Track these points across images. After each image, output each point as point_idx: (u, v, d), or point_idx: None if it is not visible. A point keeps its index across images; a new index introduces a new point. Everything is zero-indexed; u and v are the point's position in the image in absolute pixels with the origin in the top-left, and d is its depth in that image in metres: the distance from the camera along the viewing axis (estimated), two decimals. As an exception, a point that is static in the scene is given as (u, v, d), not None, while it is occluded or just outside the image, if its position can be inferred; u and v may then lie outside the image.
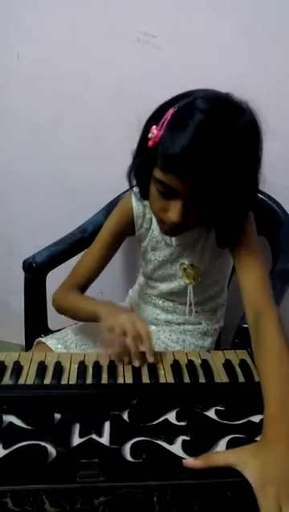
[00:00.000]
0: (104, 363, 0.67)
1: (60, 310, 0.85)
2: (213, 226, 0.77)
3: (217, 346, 0.96)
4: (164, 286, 0.88)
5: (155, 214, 0.73)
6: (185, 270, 0.83)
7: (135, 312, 0.94)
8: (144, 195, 0.74)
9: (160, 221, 0.71)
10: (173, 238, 0.82)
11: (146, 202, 0.82)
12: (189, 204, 0.65)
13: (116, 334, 0.67)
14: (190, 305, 0.85)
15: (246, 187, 0.66)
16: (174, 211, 0.66)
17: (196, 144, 0.59)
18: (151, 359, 0.66)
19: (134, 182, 0.74)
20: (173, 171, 0.61)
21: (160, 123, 0.63)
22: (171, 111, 0.62)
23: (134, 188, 0.76)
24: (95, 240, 0.88)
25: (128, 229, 0.86)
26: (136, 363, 0.66)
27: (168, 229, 0.71)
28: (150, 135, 0.64)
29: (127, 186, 1.03)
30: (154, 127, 0.64)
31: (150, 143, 0.64)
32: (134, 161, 0.72)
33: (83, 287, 0.86)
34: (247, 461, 0.47)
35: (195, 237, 0.81)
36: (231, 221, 0.71)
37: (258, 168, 0.67)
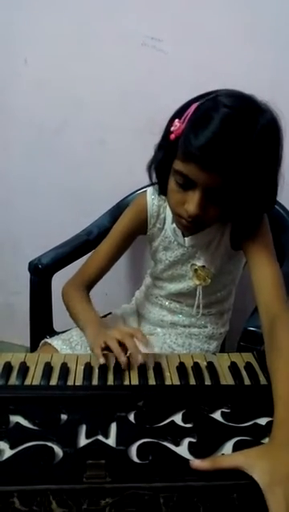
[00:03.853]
0: (110, 364, 0.68)
1: (65, 305, 0.86)
2: (228, 228, 0.78)
3: (222, 350, 0.96)
4: (172, 287, 0.88)
5: (172, 209, 0.73)
6: (196, 271, 0.83)
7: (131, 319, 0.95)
8: (162, 189, 0.75)
9: (178, 216, 0.71)
10: (186, 239, 0.82)
11: (161, 202, 0.82)
12: (207, 196, 0.66)
13: (113, 348, 0.67)
14: (198, 306, 0.85)
15: (264, 185, 0.67)
16: (192, 202, 0.66)
17: (219, 136, 0.60)
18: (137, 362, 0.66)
19: (154, 176, 0.75)
20: (194, 160, 0.62)
21: (184, 117, 0.64)
22: (194, 106, 0.64)
23: (153, 183, 0.77)
24: (106, 237, 0.88)
25: (140, 227, 0.86)
26: (140, 359, 0.66)
27: (186, 224, 0.70)
28: (172, 128, 0.66)
29: (132, 190, 1.06)
30: (177, 120, 0.65)
31: (172, 136, 0.66)
32: (155, 154, 0.73)
33: (90, 284, 0.87)
34: (255, 463, 0.47)
35: (208, 238, 0.81)
36: (247, 219, 0.72)
37: (277, 167, 0.67)
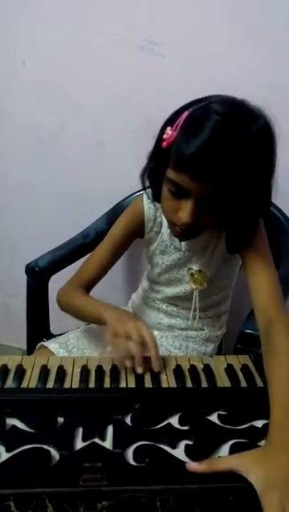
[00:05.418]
0: (107, 367, 0.67)
1: (64, 308, 0.85)
2: (224, 232, 0.77)
3: (219, 352, 0.96)
4: (169, 291, 0.88)
5: (166, 216, 0.73)
6: (192, 275, 0.83)
7: (139, 317, 0.94)
8: (156, 196, 0.75)
9: (172, 223, 0.72)
10: (183, 243, 0.82)
11: (158, 205, 0.82)
12: (201, 205, 0.65)
13: (120, 338, 0.67)
14: (195, 310, 0.85)
15: (258, 191, 0.66)
16: (185, 211, 0.66)
17: (210, 145, 0.59)
18: (156, 367, 0.66)
19: (147, 183, 0.74)
20: (186, 171, 0.62)
21: (175, 125, 0.64)
22: (186, 114, 0.63)
23: (147, 190, 0.77)
24: (103, 240, 0.88)
25: (137, 231, 0.86)
26: (139, 370, 0.66)
27: (180, 231, 0.70)
28: (164, 136, 0.65)
29: (129, 192, 1.06)
30: (169, 128, 0.65)
31: (164, 144, 0.65)
32: (148, 163, 0.73)
33: (88, 287, 0.86)
34: (251, 466, 0.47)
35: (205, 242, 0.81)
36: (242, 225, 0.71)
37: (271, 173, 0.67)
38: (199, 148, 0.60)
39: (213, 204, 0.65)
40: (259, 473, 0.46)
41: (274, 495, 0.44)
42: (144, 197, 0.84)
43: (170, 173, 0.65)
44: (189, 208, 0.65)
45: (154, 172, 0.71)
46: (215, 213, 0.67)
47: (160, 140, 0.67)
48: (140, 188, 0.88)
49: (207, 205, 0.65)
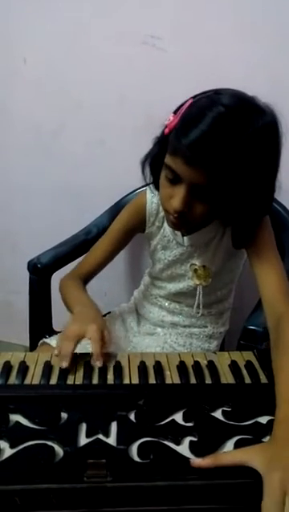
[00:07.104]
0: (110, 364, 0.67)
1: (61, 295, 0.85)
2: (228, 227, 0.77)
3: (221, 349, 0.96)
4: (171, 287, 0.88)
5: (162, 204, 0.73)
6: (195, 270, 0.83)
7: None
8: (156, 184, 0.74)
9: (166, 211, 0.72)
10: (185, 238, 0.82)
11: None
12: (193, 193, 0.65)
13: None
14: (198, 306, 0.84)
15: (258, 187, 0.65)
16: (177, 198, 0.66)
17: (208, 135, 0.59)
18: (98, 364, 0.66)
19: (147, 170, 0.74)
20: (181, 155, 0.62)
21: (178, 111, 0.65)
22: (190, 101, 0.64)
23: (151, 185, 0.77)
24: (105, 234, 0.89)
25: (139, 225, 0.86)
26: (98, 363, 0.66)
27: (174, 220, 0.70)
28: (167, 122, 0.66)
29: (130, 189, 1.05)
30: (172, 114, 0.66)
31: (166, 130, 0.66)
32: (151, 148, 0.73)
33: (86, 278, 0.87)
34: (255, 455, 0.48)
35: (208, 237, 0.81)
36: (244, 221, 0.71)
37: (273, 171, 0.66)
38: (197, 137, 0.60)
39: (206, 193, 0.65)
40: (263, 459, 0.47)
41: (276, 476, 0.45)
42: (148, 191, 0.84)
43: (167, 159, 0.65)
44: (181, 194, 0.65)
45: (155, 157, 0.71)
46: (208, 204, 0.67)
47: (164, 127, 0.68)
48: (142, 185, 0.89)
49: (199, 193, 0.65)
